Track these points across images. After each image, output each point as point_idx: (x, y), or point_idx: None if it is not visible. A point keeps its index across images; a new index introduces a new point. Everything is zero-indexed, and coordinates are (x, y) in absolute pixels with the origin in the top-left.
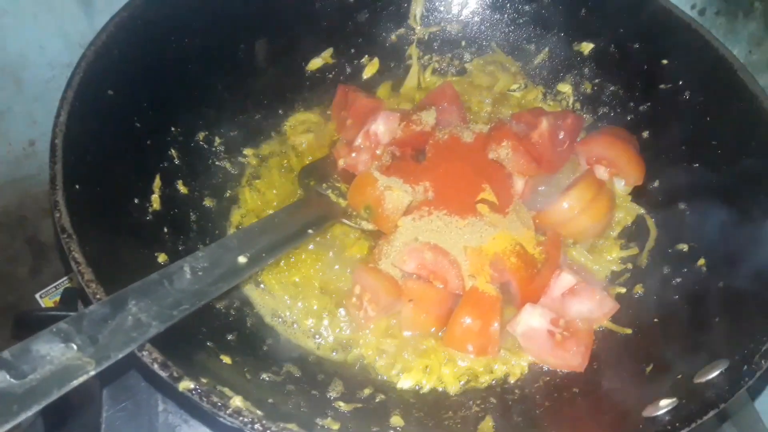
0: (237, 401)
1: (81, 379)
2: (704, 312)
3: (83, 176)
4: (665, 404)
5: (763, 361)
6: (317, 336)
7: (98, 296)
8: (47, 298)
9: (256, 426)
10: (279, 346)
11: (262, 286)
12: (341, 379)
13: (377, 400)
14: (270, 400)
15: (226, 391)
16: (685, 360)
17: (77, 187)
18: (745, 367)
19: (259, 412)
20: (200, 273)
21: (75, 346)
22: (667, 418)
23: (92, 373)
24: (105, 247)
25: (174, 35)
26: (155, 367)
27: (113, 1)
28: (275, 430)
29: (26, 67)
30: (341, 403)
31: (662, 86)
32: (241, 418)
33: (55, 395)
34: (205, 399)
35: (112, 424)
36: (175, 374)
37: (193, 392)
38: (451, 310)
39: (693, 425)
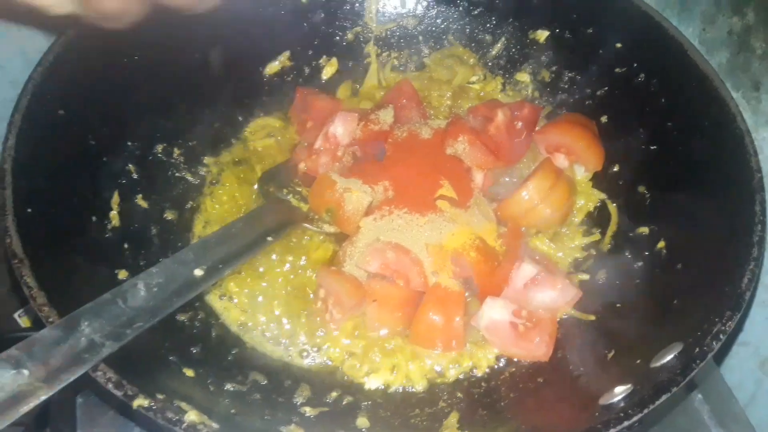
0: (192, 415)
1: (33, 404)
2: (664, 295)
3: (36, 199)
4: (620, 391)
5: (714, 343)
6: (283, 342)
7: (51, 320)
8: (26, 318)
9: None
10: (245, 354)
11: (226, 296)
12: (308, 384)
13: (344, 403)
14: (232, 411)
15: (183, 405)
16: (645, 344)
17: (29, 210)
18: (697, 349)
19: (215, 425)
20: (155, 289)
21: (26, 372)
22: (621, 405)
23: (44, 397)
24: (61, 269)
25: (124, 50)
26: (110, 386)
27: None
28: None
29: None
30: (307, 408)
31: (617, 70)
32: None
33: (8, 421)
34: (159, 415)
35: None
36: (129, 392)
37: (148, 409)
38: (416, 308)
39: (646, 411)
